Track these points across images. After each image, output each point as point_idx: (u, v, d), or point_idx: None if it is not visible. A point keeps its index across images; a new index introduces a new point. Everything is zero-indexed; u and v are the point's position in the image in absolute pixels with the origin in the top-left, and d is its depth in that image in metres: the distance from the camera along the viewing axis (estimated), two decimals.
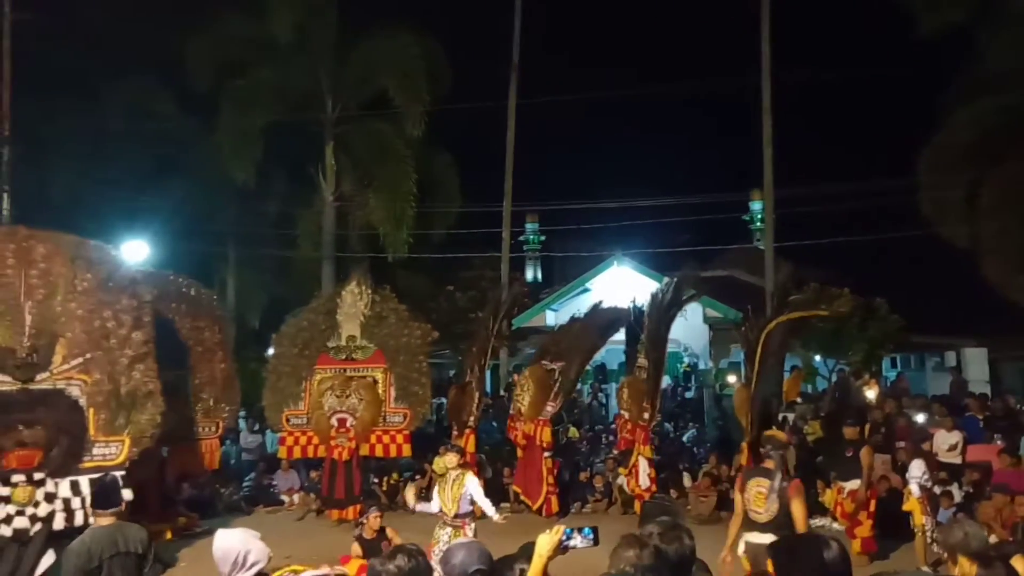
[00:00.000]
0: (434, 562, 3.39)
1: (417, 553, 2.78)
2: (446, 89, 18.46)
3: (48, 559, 6.14)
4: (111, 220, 16.90)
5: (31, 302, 6.68)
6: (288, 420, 11.31)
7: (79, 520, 6.24)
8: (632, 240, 23.87)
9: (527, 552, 2.86)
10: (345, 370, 11.24)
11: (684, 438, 16.19)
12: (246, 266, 19.93)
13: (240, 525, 3.87)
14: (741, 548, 5.58)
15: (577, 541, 2.79)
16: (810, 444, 11.51)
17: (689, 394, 22.10)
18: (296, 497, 11.95)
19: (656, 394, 11.20)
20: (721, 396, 18.91)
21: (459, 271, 22.37)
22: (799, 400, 14.11)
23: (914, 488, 8.15)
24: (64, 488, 6.38)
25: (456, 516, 6.61)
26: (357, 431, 10.84)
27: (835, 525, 9.06)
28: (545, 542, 2.77)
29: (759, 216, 24.56)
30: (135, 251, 15.97)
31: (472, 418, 11.58)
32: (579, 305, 21.64)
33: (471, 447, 11.07)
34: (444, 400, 14.41)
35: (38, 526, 6.17)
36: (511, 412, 11.94)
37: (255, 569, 3.52)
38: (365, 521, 6.67)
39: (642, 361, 11.48)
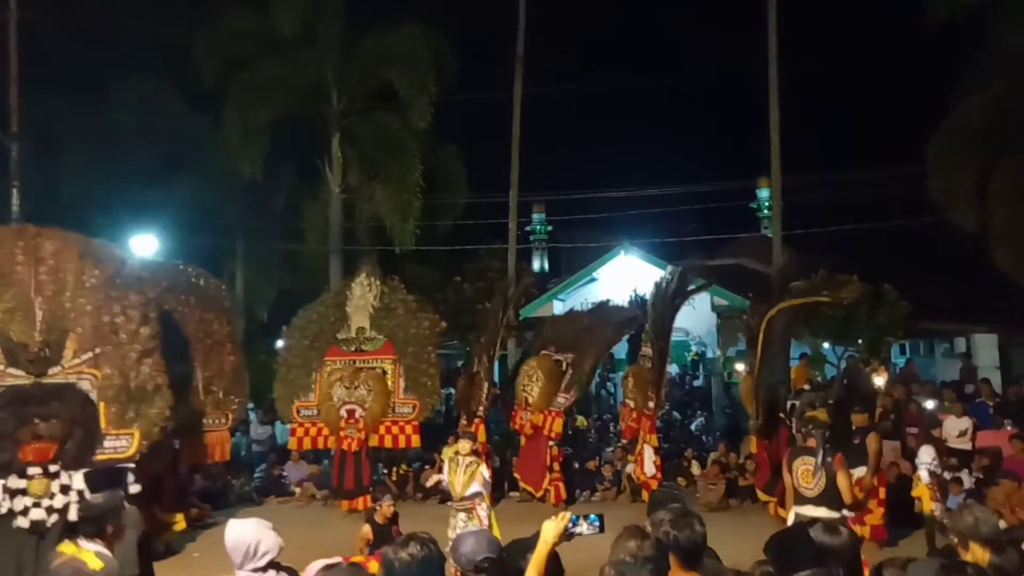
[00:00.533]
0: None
1: (429, 541, 2.81)
2: (452, 80, 18.43)
3: None
4: (121, 215, 17.02)
5: (41, 298, 6.76)
6: (299, 412, 11.40)
7: None
8: (639, 229, 23.83)
9: (536, 540, 2.89)
10: (354, 361, 11.31)
11: (692, 426, 16.23)
12: (254, 259, 20.00)
13: (251, 515, 3.92)
14: (791, 521, 6.02)
15: (583, 528, 2.80)
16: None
17: (697, 382, 22.12)
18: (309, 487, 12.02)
19: (661, 383, 11.23)
20: (729, 384, 18.90)
21: (466, 262, 22.38)
22: (807, 387, 14.09)
23: (923, 474, 8.16)
24: (78, 480, 6.47)
25: (463, 498, 6.88)
26: (366, 422, 10.91)
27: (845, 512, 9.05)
28: (551, 528, 2.79)
29: (767, 204, 24.46)
30: (145, 245, 16.09)
31: (481, 408, 11.64)
32: (586, 295, 21.68)
33: (482, 436, 11.13)
34: (453, 390, 14.49)
35: (54, 517, 6.27)
36: (515, 402, 11.98)
37: (267, 559, 3.58)
38: (379, 507, 6.79)
39: (646, 350, 11.50)
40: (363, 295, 11.51)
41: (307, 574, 3.21)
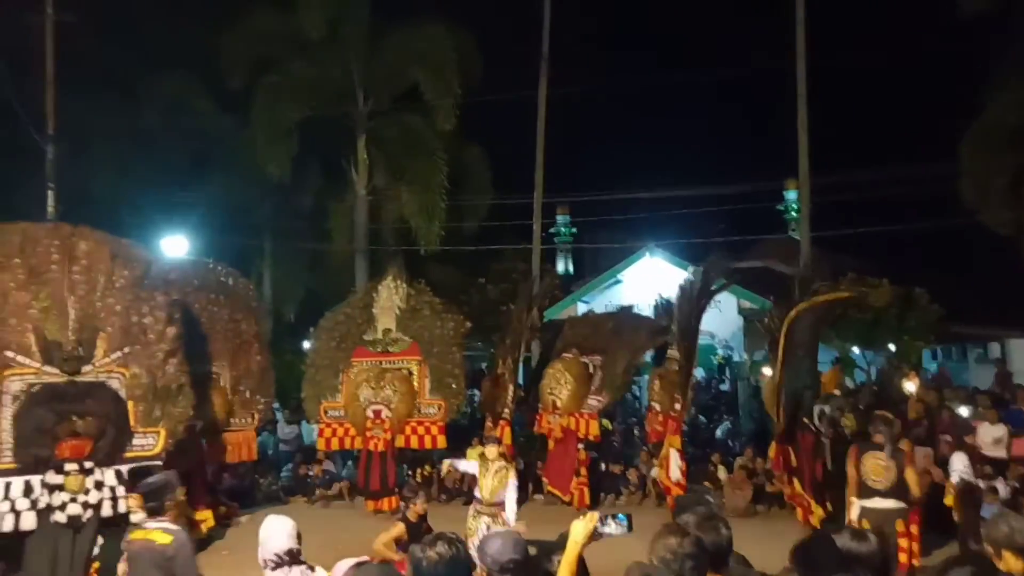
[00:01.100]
0: (472, 552, 3.45)
1: (457, 541, 2.82)
2: (477, 81, 18.47)
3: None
4: (151, 215, 17.31)
5: (74, 297, 6.87)
6: (326, 412, 11.49)
7: (122, 508, 6.44)
8: (664, 231, 23.65)
9: (565, 542, 2.88)
10: (381, 362, 11.37)
11: (718, 431, 16.07)
12: (282, 259, 20.21)
13: (278, 514, 3.98)
14: (856, 513, 6.50)
15: (611, 528, 2.80)
16: (848, 437, 11.32)
17: (723, 386, 21.90)
18: (335, 487, 12.09)
19: (688, 385, 11.08)
20: (757, 388, 18.69)
21: (490, 263, 22.42)
22: (838, 392, 13.88)
23: (956, 481, 7.99)
24: (110, 476, 6.58)
25: (491, 504, 6.87)
26: (392, 423, 10.96)
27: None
28: (579, 528, 2.79)
29: (794, 206, 24.16)
30: (175, 245, 16.33)
31: (506, 410, 11.62)
32: (611, 297, 21.59)
33: (507, 439, 11.12)
34: (477, 392, 14.50)
35: (89, 513, 6.38)
36: (540, 405, 11.93)
37: (293, 555, 3.66)
38: (413, 505, 6.81)
39: (672, 352, 11.39)
40: (390, 297, 11.58)
41: (336, 572, 3.22)
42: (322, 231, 19.84)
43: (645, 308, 13.54)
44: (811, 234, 16.57)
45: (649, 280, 20.15)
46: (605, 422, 15.37)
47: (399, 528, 6.70)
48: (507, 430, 11.36)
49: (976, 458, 9.17)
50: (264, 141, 17.52)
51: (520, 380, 12.91)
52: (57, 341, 6.74)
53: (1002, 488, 9.17)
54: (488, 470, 6.98)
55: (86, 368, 6.79)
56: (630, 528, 2.81)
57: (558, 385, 11.56)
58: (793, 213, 25.54)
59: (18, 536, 6.27)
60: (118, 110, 17.72)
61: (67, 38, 15.73)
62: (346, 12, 17.84)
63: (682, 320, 11.25)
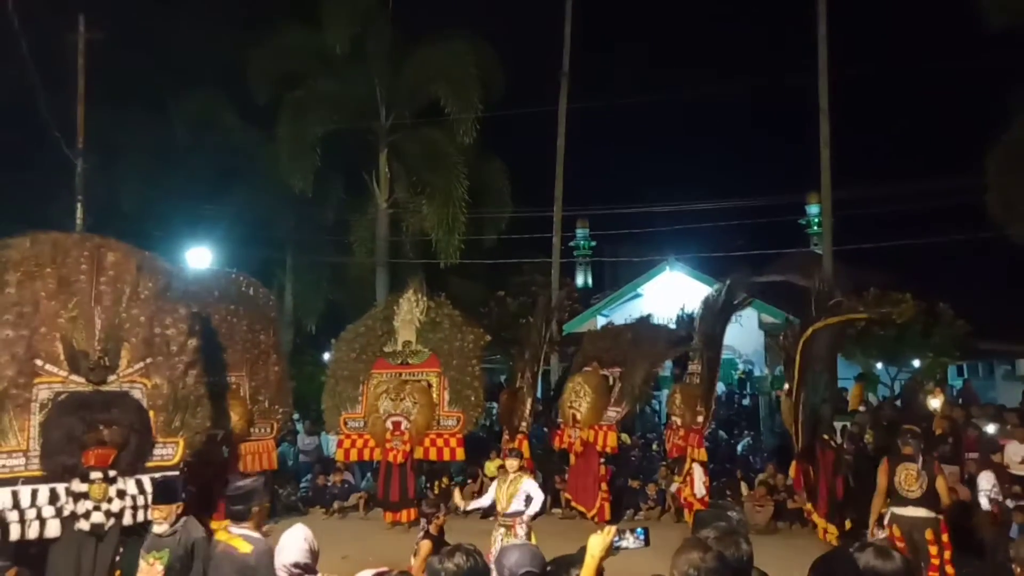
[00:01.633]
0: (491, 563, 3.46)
1: (475, 553, 2.83)
2: (498, 95, 18.61)
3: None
4: (177, 227, 17.57)
5: (100, 307, 6.97)
6: (346, 423, 11.54)
7: (141, 517, 6.51)
8: (685, 245, 23.57)
9: (583, 555, 2.88)
10: (400, 374, 11.42)
11: (739, 446, 15.90)
12: (304, 271, 20.40)
13: (298, 525, 4.02)
14: (885, 520, 6.80)
15: (629, 542, 2.80)
16: (870, 453, 11.17)
17: (744, 402, 21.69)
18: (353, 498, 12.12)
19: (711, 397, 10.99)
20: (778, 403, 18.49)
21: (510, 276, 22.45)
22: (862, 409, 13.70)
23: (983, 501, 7.85)
24: (132, 486, 6.64)
25: (506, 514, 6.89)
26: (411, 434, 10.98)
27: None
28: (597, 542, 2.80)
29: (816, 219, 24.00)
30: (199, 257, 16.55)
31: (525, 423, 11.60)
32: (631, 311, 21.49)
33: (526, 452, 11.09)
34: (495, 405, 14.49)
35: (112, 521, 6.43)
36: (560, 420, 11.89)
37: (304, 569, 3.69)
38: (436, 519, 6.76)
39: (694, 367, 11.31)
40: (410, 310, 11.64)
41: None
42: (344, 244, 20.01)
43: (666, 321, 13.45)
44: (833, 248, 16.42)
45: (670, 293, 20.09)
46: (624, 436, 15.31)
47: (427, 546, 6.65)
48: (525, 443, 11.34)
49: (1004, 477, 9.00)
50: (288, 155, 17.76)
51: (539, 393, 12.89)
52: (84, 351, 6.84)
53: None
54: (504, 481, 7.03)
55: (111, 378, 6.88)
56: (647, 542, 2.81)
57: (578, 398, 11.53)
58: (815, 227, 25.35)
59: (42, 543, 6.35)
60: (146, 125, 18.07)
61: (97, 55, 16.11)
62: (370, 28, 18.10)
63: (705, 332, 11.18)
